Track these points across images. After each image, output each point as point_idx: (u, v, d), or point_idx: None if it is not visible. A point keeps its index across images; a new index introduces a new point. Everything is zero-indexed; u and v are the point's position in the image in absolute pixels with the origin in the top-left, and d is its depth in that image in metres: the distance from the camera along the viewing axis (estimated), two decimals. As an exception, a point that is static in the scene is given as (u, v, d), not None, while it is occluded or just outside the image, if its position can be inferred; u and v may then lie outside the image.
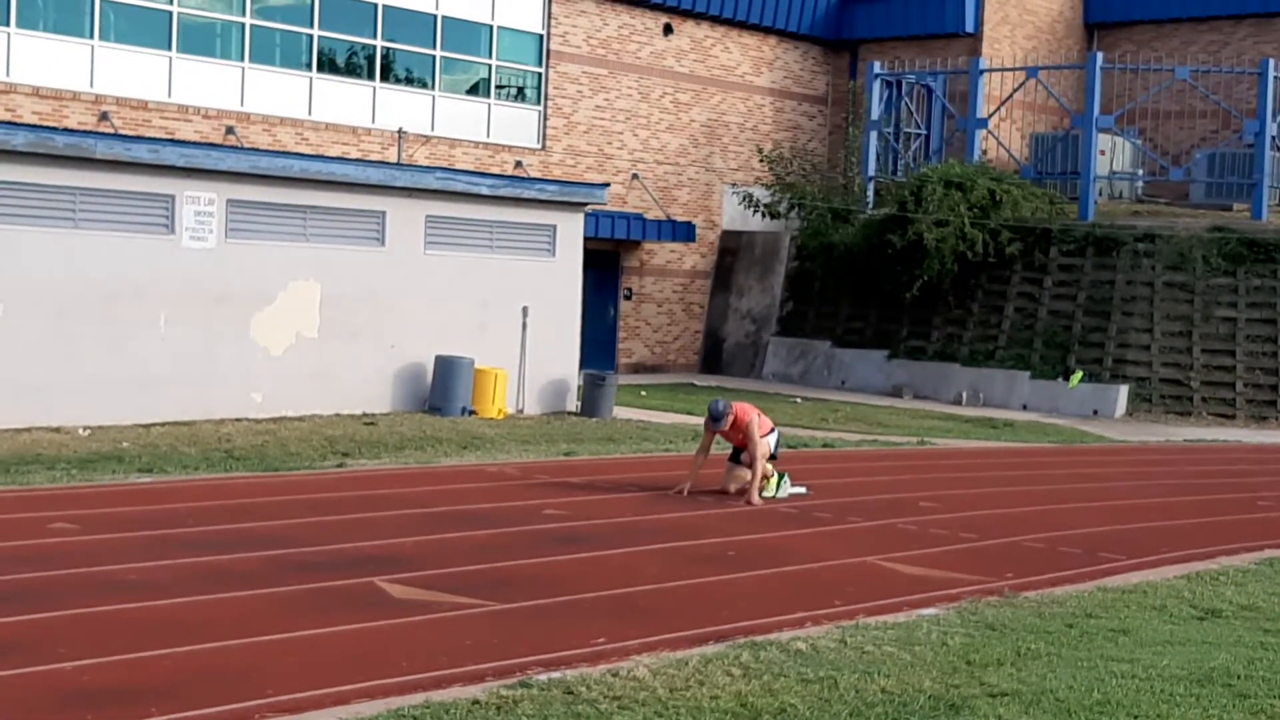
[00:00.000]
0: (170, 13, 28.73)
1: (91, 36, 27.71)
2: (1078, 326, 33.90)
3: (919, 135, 40.83)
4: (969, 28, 40.44)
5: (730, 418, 17.05)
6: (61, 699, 8.17)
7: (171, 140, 24.83)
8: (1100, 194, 37.61)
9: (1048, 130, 41.49)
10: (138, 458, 18.18)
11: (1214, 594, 12.66)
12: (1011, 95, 38.49)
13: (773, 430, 17.50)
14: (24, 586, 10.89)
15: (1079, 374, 32.83)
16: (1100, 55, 37.38)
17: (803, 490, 17.64)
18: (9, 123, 23.76)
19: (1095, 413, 32.18)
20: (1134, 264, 34.05)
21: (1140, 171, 40.10)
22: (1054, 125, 42.08)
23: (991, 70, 38.68)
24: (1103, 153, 37.51)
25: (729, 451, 17.85)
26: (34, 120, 26.11)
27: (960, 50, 40.33)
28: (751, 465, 17.00)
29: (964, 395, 33.83)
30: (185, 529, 13.61)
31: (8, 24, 26.63)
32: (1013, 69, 38.95)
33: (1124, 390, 32.55)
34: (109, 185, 21.13)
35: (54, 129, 22.77)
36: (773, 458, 17.45)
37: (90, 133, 23.14)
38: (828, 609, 11.30)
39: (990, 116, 38.06)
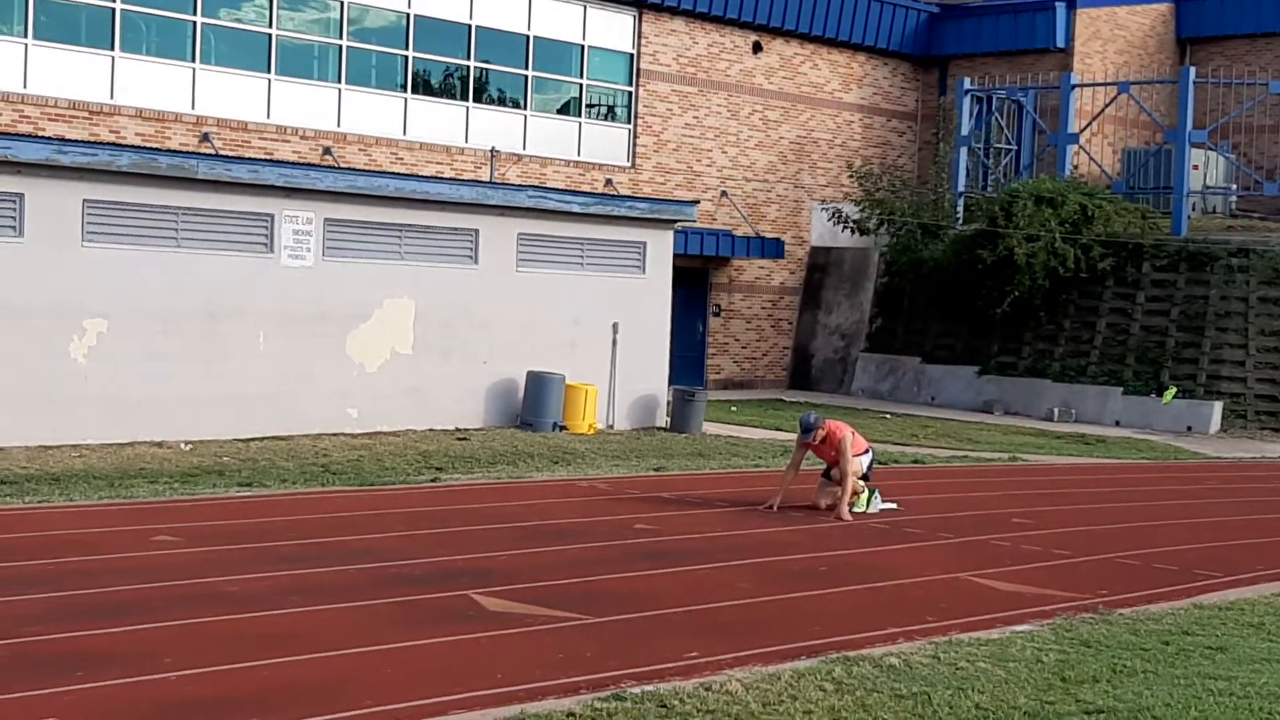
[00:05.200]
0: (269, 36, 29.22)
1: (193, 59, 28.24)
2: (1171, 342, 33.56)
3: (1009, 151, 40.62)
4: (1060, 43, 40.17)
5: (821, 431, 17.03)
6: (165, 709, 8.33)
7: (270, 161, 25.24)
8: (1193, 209, 37.23)
9: (1140, 145, 41.12)
10: (238, 472, 18.48)
11: (1311, 612, 12.52)
12: (1103, 110, 38.21)
13: (867, 451, 17.48)
14: (128, 598, 11.12)
15: (1172, 390, 32.49)
16: (1193, 70, 37.03)
17: (893, 506, 17.63)
18: (114, 144, 24.27)
19: (1189, 429, 31.83)
20: (1228, 279, 33.66)
21: (1234, 186, 39.63)
22: (1146, 140, 41.70)
23: (1083, 85, 38.40)
24: (1196, 167, 37.14)
25: (821, 468, 17.89)
26: (137, 141, 26.64)
27: (1051, 65, 40.07)
28: (842, 481, 17.01)
29: (1055, 411, 33.57)
30: (284, 542, 13.83)
31: (112, 48, 27.20)
32: (1104, 84, 38.65)
33: (1218, 406, 32.17)
34: (210, 205, 21.55)
35: (157, 150, 23.23)
36: (864, 478, 17.43)
37: (192, 154, 23.58)
38: (920, 625, 11.30)
39: (1081, 132, 37.80)
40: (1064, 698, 9.21)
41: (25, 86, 26.20)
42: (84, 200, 20.39)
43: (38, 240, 20.04)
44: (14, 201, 19.84)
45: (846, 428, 17.32)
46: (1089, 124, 38.23)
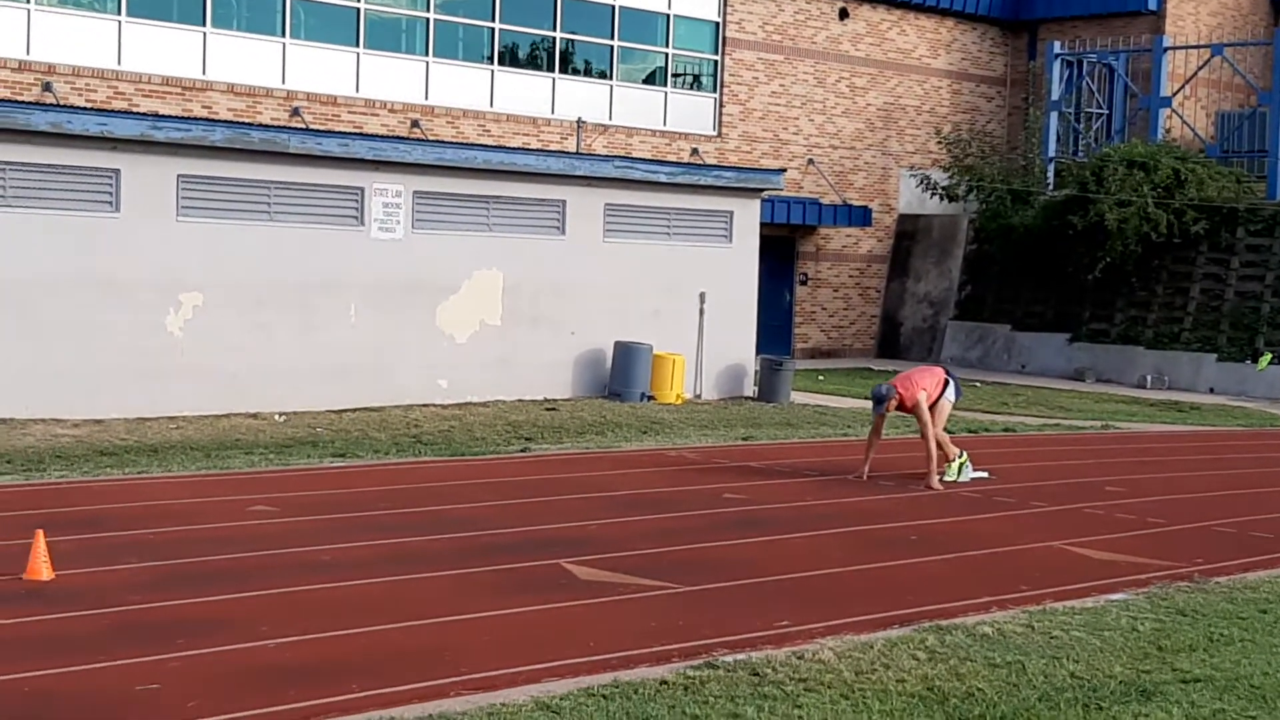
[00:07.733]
0: (357, 9, 29.40)
1: (283, 34, 28.48)
2: (1266, 307, 33.06)
3: (1100, 115, 40.11)
4: (1151, 5, 39.56)
5: (894, 401, 16.88)
6: (265, 675, 8.47)
7: (360, 134, 25.43)
8: (1289, 172, 36.62)
9: (1234, 108, 40.46)
10: (331, 443, 18.68)
11: None
12: (1196, 73, 37.62)
13: (947, 384, 17.18)
14: (226, 567, 11.30)
15: (1267, 356, 32.03)
16: (1290, 29, 36.38)
17: (984, 475, 17.54)
18: (207, 119, 24.52)
19: (1286, 396, 31.41)
20: (1326, 243, 33.11)
21: (1332, 148, 38.90)
22: (1240, 103, 41.00)
23: (1175, 48, 37.83)
24: (1292, 130, 36.50)
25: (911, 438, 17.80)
26: (229, 116, 26.93)
27: (1142, 28, 39.50)
28: (924, 439, 16.85)
29: (1148, 378, 33.20)
30: (377, 512, 13.97)
31: (203, 24, 27.50)
32: (1197, 46, 38.07)
33: (1316, 373, 31.72)
34: (301, 179, 21.74)
35: (249, 124, 23.47)
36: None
37: (283, 128, 23.79)
38: (1014, 594, 11.25)
39: (1174, 95, 37.25)
40: (1160, 667, 9.15)
41: (119, 63, 26.55)
42: (178, 175, 20.65)
43: (134, 215, 20.32)
44: (110, 177, 20.13)
45: (919, 385, 16.94)
46: (1181, 87, 37.66)
